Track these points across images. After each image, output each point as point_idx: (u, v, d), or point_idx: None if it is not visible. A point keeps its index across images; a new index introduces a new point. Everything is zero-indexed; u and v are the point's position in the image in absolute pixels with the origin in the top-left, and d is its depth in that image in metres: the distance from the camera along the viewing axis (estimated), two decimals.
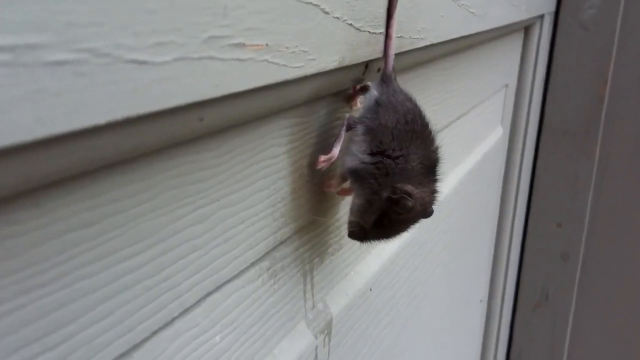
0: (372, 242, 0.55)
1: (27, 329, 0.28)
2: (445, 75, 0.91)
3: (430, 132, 0.55)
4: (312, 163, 0.54)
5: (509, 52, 1.39)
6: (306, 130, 0.52)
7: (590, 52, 1.64)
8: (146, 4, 0.26)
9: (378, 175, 0.51)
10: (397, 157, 0.52)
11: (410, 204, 0.51)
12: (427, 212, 0.55)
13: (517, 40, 1.44)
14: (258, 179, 0.46)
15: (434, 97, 0.87)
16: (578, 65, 1.66)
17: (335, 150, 0.52)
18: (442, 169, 0.99)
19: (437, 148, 0.56)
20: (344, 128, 0.52)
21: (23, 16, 0.20)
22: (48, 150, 0.24)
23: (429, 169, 0.54)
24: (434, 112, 0.87)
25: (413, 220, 0.54)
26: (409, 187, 0.51)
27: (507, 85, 1.43)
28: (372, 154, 0.52)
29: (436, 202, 0.56)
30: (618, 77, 1.63)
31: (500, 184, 1.57)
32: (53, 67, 0.22)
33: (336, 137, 0.53)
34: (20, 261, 0.27)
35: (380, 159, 0.51)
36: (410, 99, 0.55)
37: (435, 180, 0.55)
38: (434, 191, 0.55)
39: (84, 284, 0.31)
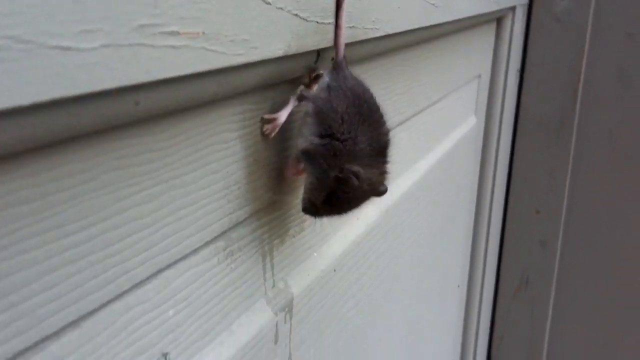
0: (324, 217, 0.58)
1: None
2: (411, 64, 0.93)
3: (380, 116, 0.58)
4: (268, 148, 0.56)
5: (481, 43, 1.41)
6: (259, 117, 0.54)
7: (564, 44, 1.66)
8: None
9: (327, 156, 0.54)
10: (345, 140, 0.54)
11: (356, 183, 0.53)
12: (379, 191, 0.58)
13: (489, 32, 1.46)
14: (209, 162, 0.49)
15: (398, 86, 0.89)
16: (552, 57, 1.69)
17: (282, 114, 0.54)
18: (413, 155, 1.02)
19: (387, 131, 0.58)
20: (296, 97, 0.55)
21: None
22: None
23: (379, 151, 0.57)
24: (399, 101, 0.90)
25: (362, 198, 0.57)
26: (355, 168, 0.54)
27: (479, 76, 1.45)
28: (321, 136, 0.54)
29: (386, 182, 0.58)
30: (592, 68, 1.66)
31: (477, 172, 1.60)
32: None
33: (286, 103, 0.55)
34: None
35: (329, 142, 0.54)
36: (360, 85, 0.57)
37: (385, 162, 0.58)
38: (384, 172, 0.57)
39: (25, 257, 0.33)
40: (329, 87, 0.56)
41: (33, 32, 0.26)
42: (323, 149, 0.54)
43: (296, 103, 0.56)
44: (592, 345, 1.86)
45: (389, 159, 0.59)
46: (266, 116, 0.55)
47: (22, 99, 0.26)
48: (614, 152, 1.69)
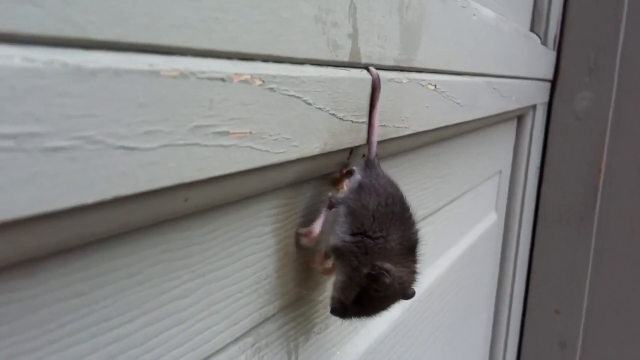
0: (353, 319, 0.57)
1: None
2: (436, 160, 0.95)
3: (410, 216, 0.58)
4: (298, 241, 0.57)
5: (502, 140, 1.43)
6: (292, 212, 0.55)
7: (583, 142, 1.69)
8: (138, 98, 0.29)
9: (358, 253, 0.54)
10: (377, 238, 0.55)
11: (388, 280, 0.53)
12: (407, 294, 0.57)
13: (509, 128, 1.49)
14: (244, 256, 0.49)
15: (423, 182, 0.90)
16: (572, 154, 1.71)
17: (316, 226, 0.55)
18: (435, 250, 1.01)
19: (416, 231, 0.58)
20: (326, 206, 0.56)
21: (25, 109, 0.24)
22: (43, 225, 0.27)
23: (409, 250, 0.57)
24: (424, 196, 0.91)
25: (392, 299, 0.56)
26: (387, 265, 0.54)
27: (500, 172, 1.46)
28: (353, 234, 0.55)
29: (416, 283, 0.58)
30: (611, 165, 1.67)
31: (497, 270, 1.59)
32: (50, 153, 0.25)
33: (318, 215, 0.56)
34: (14, 327, 0.30)
35: (361, 239, 0.54)
36: (392, 184, 0.58)
37: (414, 261, 0.58)
38: (414, 271, 0.57)
39: (71, 351, 0.34)
40: (360, 185, 0.57)
41: (103, 133, 0.27)
42: (354, 247, 0.55)
43: (328, 211, 0.57)
44: None
45: (418, 258, 0.59)
46: (301, 231, 0.56)
47: (89, 197, 0.27)
48: (635, 249, 1.68)
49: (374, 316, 0.58)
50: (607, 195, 1.68)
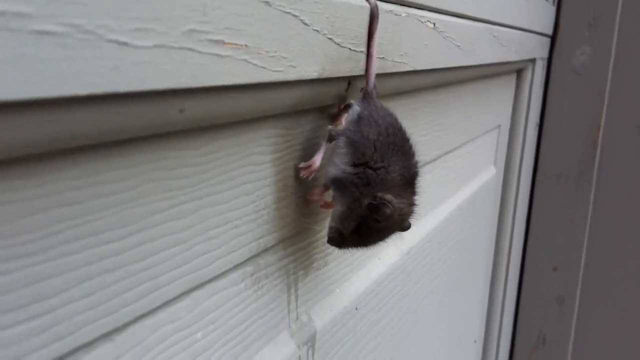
0: (349, 249, 0.57)
1: (12, 295, 0.30)
2: (434, 108, 0.94)
3: (410, 146, 0.57)
4: (297, 175, 0.56)
5: (501, 94, 1.42)
6: (290, 142, 0.55)
7: (583, 97, 1.68)
8: None
9: (359, 184, 0.54)
10: (379, 168, 0.54)
11: (389, 211, 0.53)
12: (404, 226, 0.57)
13: (509, 83, 1.48)
14: (242, 183, 0.49)
15: (422, 128, 0.89)
16: (571, 110, 1.70)
17: (316, 159, 0.54)
18: (434, 198, 1.01)
19: (416, 162, 0.58)
20: (326, 139, 0.55)
21: None
22: (33, 115, 0.26)
23: (409, 182, 0.57)
24: (422, 143, 0.90)
25: (390, 230, 0.56)
26: (388, 196, 0.54)
27: (499, 126, 1.46)
28: (354, 165, 0.54)
29: (414, 215, 0.58)
30: (611, 121, 1.66)
31: (495, 224, 1.59)
32: (38, 36, 0.24)
33: (318, 148, 0.56)
34: (8, 229, 0.29)
35: (362, 170, 0.54)
36: (391, 115, 0.57)
37: (414, 193, 0.57)
38: (413, 203, 0.57)
39: (66, 260, 0.33)
40: (359, 117, 0.56)
41: (94, 23, 0.27)
42: (355, 178, 0.54)
43: (328, 144, 0.56)
44: None
45: (417, 190, 0.59)
46: (301, 165, 0.55)
47: (79, 89, 0.26)
48: (633, 205, 1.68)
49: (370, 247, 0.57)
50: (606, 151, 1.68)
